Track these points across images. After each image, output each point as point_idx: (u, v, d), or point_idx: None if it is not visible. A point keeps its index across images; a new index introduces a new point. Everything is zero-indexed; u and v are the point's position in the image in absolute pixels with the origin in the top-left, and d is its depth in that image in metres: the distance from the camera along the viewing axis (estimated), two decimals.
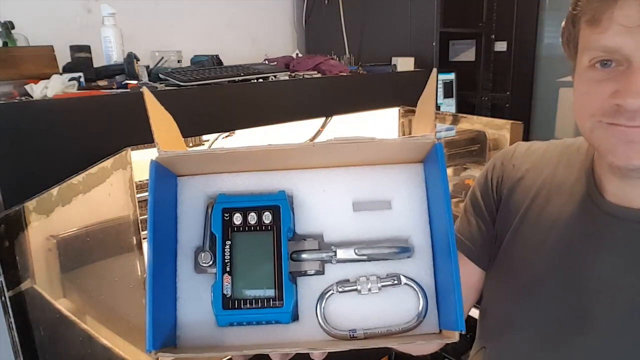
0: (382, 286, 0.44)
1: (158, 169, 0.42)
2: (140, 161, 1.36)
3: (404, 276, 0.45)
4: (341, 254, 0.44)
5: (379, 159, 0.48)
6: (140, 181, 1.47)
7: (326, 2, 1.95)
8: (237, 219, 0.43)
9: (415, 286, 0.45)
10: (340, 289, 0.44)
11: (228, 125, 1.28)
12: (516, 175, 0.71)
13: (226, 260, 0.42)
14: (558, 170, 0.68)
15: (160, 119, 0.51)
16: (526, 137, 2.18)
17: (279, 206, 0.44)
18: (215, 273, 0.42)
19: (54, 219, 0.87)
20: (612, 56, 0.52)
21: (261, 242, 0.43)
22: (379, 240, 0.46)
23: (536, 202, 0.68)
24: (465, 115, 1.52)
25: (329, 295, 0.44)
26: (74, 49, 1.18)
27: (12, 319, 0.78)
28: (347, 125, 1.82)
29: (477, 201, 0.75)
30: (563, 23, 0.61)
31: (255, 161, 0.45)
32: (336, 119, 1.79)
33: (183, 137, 1.48)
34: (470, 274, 0.73)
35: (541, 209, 0.67)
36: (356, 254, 0.44)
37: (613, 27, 0.50)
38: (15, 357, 0.81)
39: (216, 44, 1.80)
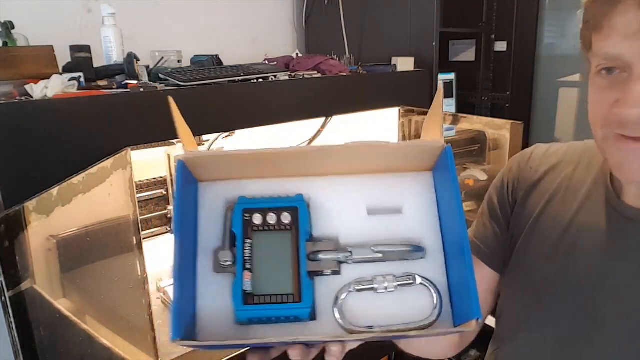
0: (398, 285, 0.45)
1: (183, 169, 0.45)
2: (140, 161, 1.36)
3: (419, 276, 0.46)
4: (357, 253, 0.46)
5: (390, 165, 0.50)
6: (140, 181, 1.47)
7: (326, 2, 1.95)
8: (257, 219, 0.45)
9: (429, 285, 0.46)
10: (357, 288, 0.45)
11: (228, 125, 1.28)
12: (533, 177, 0.70)
13: (246, 258, 0.43)
14: (577, 172, 0.67)
15: (183, 125, 0.54)
16: (526, 137, 2.18)
17: (297, 207, 0.46)
18: (234, 272, 0.44)
19: (54, 219, 0.87)
20: (614, 63, 0.51)
21: (280, 241, 0.44)
22: (393, 242, 0.48)
23: (552, 204, 0.67)
24: (465, 115, 1.52)
25: (347, 294, 0.45)
26: (74, 49, 1.18)
27: (12, 319, 0.78)
28: (347, 126, 1.82)
29: (493, 204, 0.74)
30: (581, 25, 0.59)
31: (275, 164, 0.47)
32: (336, 119, 1.79)
33: None
34: (485, 278, 0.73)
35: (557, 211, 0.66)
36: (373, 251, 0.46)
37: (613, 34, 0.49)
38: (15, 357, 0.81)
39: (216, 44, 1.80)
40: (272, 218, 0.45)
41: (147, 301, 1.07)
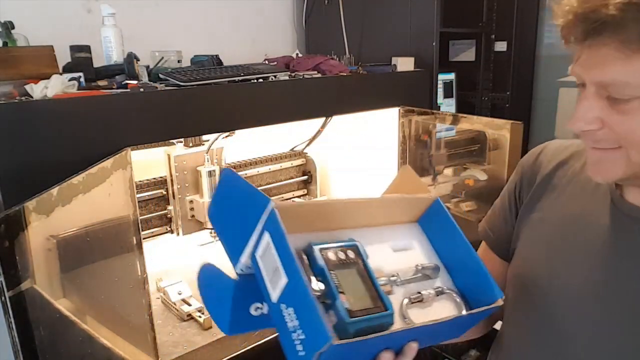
0: (436, 294, 0.62)
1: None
2: (140, 161, 1.36)
3: (443, 287, 0.64)
4: (402, 275, 0.62)
5: (394, 219, 0.70)
6: (140, 181, 1.47)
7: (326, 2, 1.95)
8: (332, 255, 0.56)
9: (453, 292, 0.64)
10: (413, 300, 0.60)
11: (228, 125, 1.28)
12: (544, 172, 0.73)
13: (336, 284, 0.53)
14: (585, 168, 0.68)
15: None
16: (526, 137, 2.18)
17: (356, 245, 0.59)
18: (324, 300, 0.54)
19: (54, 219, 0.87)
20: (579, 80, 0.58)
21: (355, 270, 0.57)
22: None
23: (560, 198, 0.70)
24: (465, 115, 1.52)
25: (406, 304, 0.60)
26: (74, 49, 1.18)
27: (12, 319, 0.78)
28: (347, 126, 1.82)
29: (506, 193, 0.80)
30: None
31: (321, 218, 0.61)
32: (336, 119, 1.80)
33: (183, 137, 1.49)
34: (491, 263, 0.76)
35: (564, 205, 0.69)
36: (417, 269, 0.64)
37: (578, 61, 0.57)
38: (15, 357, 0.81)
39: (216, 44, 1.80)
40: (341, 254, 0.57)
41: (147, 301, 1.07)
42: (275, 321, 0.53)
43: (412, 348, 0.54)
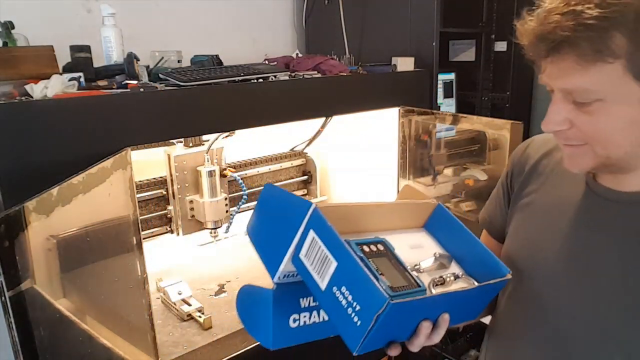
0: (454, 278, 0.71)
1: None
2: (140, 161, 1.36)
3: (458, 273, 0.73)
4: (424, 264, 0.72)
5: (406, 224, 0.80)
6: (140, 181, 1.47)
7: (326, 2, 1.95)
8: (366, 248, 0.64)
9: (467, 276, 0.73)
10: (437, 281, 0.69)
11: (228, 125, 1.28)
12: (531, 162, 0.82)
13: (376, 268, 0.60)
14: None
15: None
16: (526, 137, 2.17)
17: (384, 241, 0.67)
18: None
19: (54, 219, 0.87)
20: (548, 87, 0.66)
21: (387, 259, 0.65)
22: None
23: (545, 185, 0.79)
24: (465, 115, 1.52)
25: (432, 285, 0.69)
26: (74, 49, 1.18)
27: (12, 319, 0.78)
28: (347, 125, 1.82)
29: (499, 184, 0.89)
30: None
31: (349, 221, 0.70)
32: (336, 119, 1.80)
33: (183, 137, 1.49)
34: (494, 249, 0.80)
35: (548, 192, 0.78)
36: (435, 257, 0.73)
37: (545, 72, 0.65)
38: (15, 357, 0.81)
39: (216, 44, 1.80)
40: (374, 247, 0.65)
41: (147, 301, 1.07)
42: (326, 308, 0.60)
43: (445, 320, 0.64)
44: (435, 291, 0.68)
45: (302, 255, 0.62)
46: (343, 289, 0.57)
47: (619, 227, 0.69)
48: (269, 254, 0.65)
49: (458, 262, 0.76)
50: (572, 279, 0.71)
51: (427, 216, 0.80)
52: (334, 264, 0.58)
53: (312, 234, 0.60)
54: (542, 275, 0.75)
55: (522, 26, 0.64)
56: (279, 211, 0.65)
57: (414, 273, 0.66)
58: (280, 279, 0.62)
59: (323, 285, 0.59)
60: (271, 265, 0.63)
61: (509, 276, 0.70)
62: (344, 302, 0.57)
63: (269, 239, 0.66)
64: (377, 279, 0.57)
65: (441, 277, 0.70)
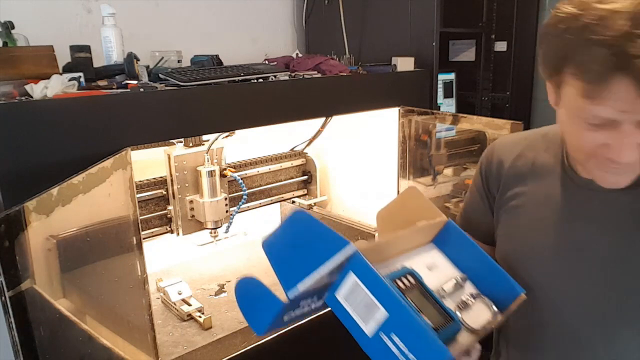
0: (473, 299, 0.73)
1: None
2: (140, 161, 1.36)
3: (475, 292, 0.75)
4: (446, 288, 0.73)
5: (418, 243, 0.80)
6: (140, 181, 1.47)
7: (326, 2, 1.95)
8: (400, 283, 0.66)
9: (483, 295, 0.74)
10: (461, 307, 0.71)
11: (228, 125, 1.28)
12: (505, 165, 0.84)
13: (416, 307, 0.63)
14: (539, 157, 0.81)
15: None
16: None
17: (412, 271, 0.69)
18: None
19: (54, 219, 0.87)
20: (604, 122, 0.60)
21: (419, 292, 0.67)
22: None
23: (526, 184, 0.81)
24: (465, 115, 1.52)
25: (463, 319, 0.70)
26: (74, 49, 1.18)
27: (12, 319, 0.78)
28: (347, 125, 1.82)
29: (475, 194, 0.91)
30: (542, 51, 0.66)
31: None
32: (336, 119, 1.80)
33: (183, 137, 1.49)
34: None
35: (534, 192, 0.80)
36: (456, 281, 0.74)
37: (607, 104, 0.57)
38: (15, 357, 0.81)
39: (216, 44, 1.80)
40: (406, 281, 0.67)
41: (147, 301, 1.07)
42: (370, 352, 0.60)
43: (477, 349, 0.69)
44: (461, 315, 0.70)
45: (340, 296, 0.62)
46: (394, 336, 0.58)
47: (605, 215, 0.72)
48: (286, 273, 0.63)
49: (471, 280, 0.77)
50: (567, 271, 0.75)
51: (436, 231, 0.81)
52: (382, 312, 0.59)
53: (353, 277, 0.60)
54: (540, 273, 0.77)
55: (599, 32, 0.55)
56: (308, 238, 0.63)
57: (441, 300, 0.68)
58: (295, 295, 0.62)
59: (369, 330, 0.60)
60: (287, 283, 0.62)
61: (523, 296, 0.73)
62: (395, 350, 0.58)
63: (289, 259, 0.64)
64: (434, 329, 0.60)
65: (463, 301, 0.72)
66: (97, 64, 1.22)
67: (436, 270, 0.77)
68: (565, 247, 0.75)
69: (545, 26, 0.65)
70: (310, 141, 1.93)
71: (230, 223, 1.61)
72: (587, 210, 0.74)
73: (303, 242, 0.62)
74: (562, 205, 0.76)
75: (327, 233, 0.60)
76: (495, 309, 0.73)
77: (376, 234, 0.79)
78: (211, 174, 1.48)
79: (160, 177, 1.51)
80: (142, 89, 1.10)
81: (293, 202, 1.98)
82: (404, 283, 0.66)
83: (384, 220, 0.86)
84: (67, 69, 1.15)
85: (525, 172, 0.81)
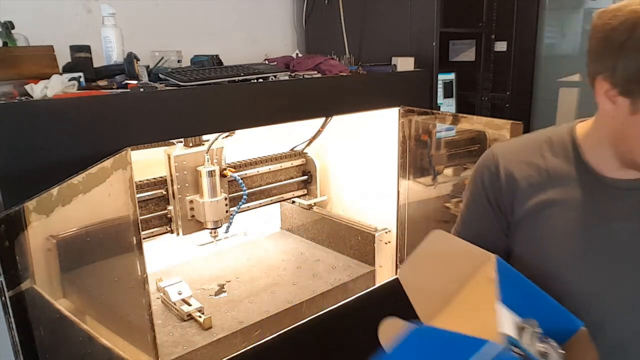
0: (546, 345, 0.66)
1: None
2: (140, 161, 1.36)
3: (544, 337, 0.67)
4: (526, 340, 0.65)
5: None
6: (140, 181, 1.47)
7: (326, 2, 1.95)
8: (540, 348, 0.64)
9: (544, 334, 0.66)
10: (544, 357, 0.64)
11: (228, 125, 1.28)
12: (517, 176, 0.80)
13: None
14: (551, 162, 0.78)
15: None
16: None
17: (513, 342, 0.61)
18: None
19: (54, 219, 0.87)
20: None
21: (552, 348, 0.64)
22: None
23: (547, 193, 0.77)
24: (465, 115, 1.52)
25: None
26: (74, 49, 1.18)
27: (12, 319, 0.78)
28: (347, 125, 1.82)
29: (478, 208, 0.85)
30: (619, 64, 0.65)
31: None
32: (336, 119, 1.80)
33: (183, 137, 1.49)
34: None
35: (555, 197, 0.76)
36: (532, 331, 0.66)
37: None
38: (15, 357, 0.81)
39: (216, 44, 1.80)
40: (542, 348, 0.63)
41: (147, 301, 1.07)
42: None
43: None
44: None
45: None
46: None
47: (635, 212, 0.72)
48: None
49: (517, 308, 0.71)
50: (612, 274, 0.73)
51: (493, 276, 0.71)
52: None
53: None
54: (582, 280, 0.74)
55: None
56: (437, 351, 0.58)
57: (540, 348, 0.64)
58: None
59: None
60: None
61: (583, 330, 0.69)
62: None
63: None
64: None
65: (542, 352, 0.66)
66: (97, 64, 1.22)
67: (506, 319, 0.68)
68: (606, 249, 0.73)
69: (614, 34, 0.64)
70: (310, 141, 1.93)
71: (230, 223, 1.61)
72: (622, 209, 0.73)
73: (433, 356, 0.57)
74: (594, 208, 0.74)
75: (456, 338, 0.56)
76: (561, 350, 0.67)
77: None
78: (211, 174, 1.48)
79: (160, 177, 1.51)
80: (142, 89, 1.10)
81: (293, 202, 1.98)
82: (518, 354, 0.59)
83: (411, 278, 0.74)
84: (67, 69, 1.15)
85: (542, 180, 0.78)
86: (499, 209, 0.82)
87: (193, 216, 1.52)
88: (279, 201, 1.90)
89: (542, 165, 0.78)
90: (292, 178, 1.90)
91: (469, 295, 0.66)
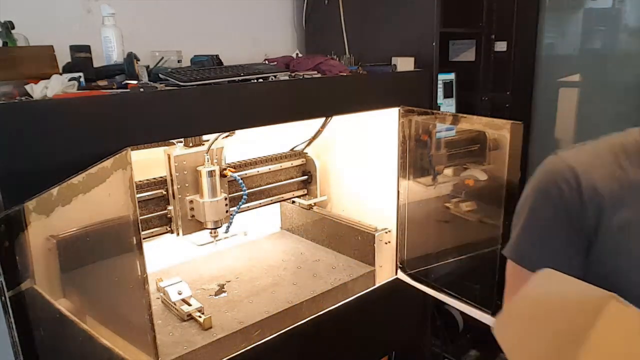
0: None
1: None
2: (140, 161, 1.36)
3: None
4: None
5: None
6: (140, 181, 1.47)
7: (326, 2, 1.95)
8: None
9: None
10: None
11: (228, 125, 1.28)
12: (602, 192, 0.71)
13: None
14: (631, 172, 0.70)
15: None
16: (526, 137, 2.18)
17: None
18: None
19: (54, 219, 0.87)
20: None
21: None
22: None
23: (632, 207, 0.69)
24: (465, 115, 1.52)
25: None
26: (74, 49, 1.18)
27: (12, 319, 0.78)
28: (347, 125, 1.82)
29: (553, 229, 0.74)
30: None
31: None
32: (336, 119, 1.80)
33: (183, 137, 1.49)
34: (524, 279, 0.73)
35: (636, 214, 0.69)
36: None
37: None
38: (16, 357, 0.81)
39: (216, 44, 1.80)
40: None
41: (147, 301, 1.07)
42: None
43: None
44: None
45: None
46: None
47: None
48: None
49: None
50: None
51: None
52: None
53: None
54: None
55: None
56: None
57: None
58: None
59: None
60: None
61: None
62: None
63: None
64: None
65: None
66: (97, 64, 1.22)
67: None
68: None
69: None
70: (310, 141, 1.93)
71: (230, 223, 1.61)
72: None
73: None
74: None
75: None
76: None
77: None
78: (211, 174, 1.48)
79: (160, 177, 1.51)
80: (142, 89, 1.10)
81: (293, 202, 1.98)
82: None
83: (510, 335, 0.62)
84: (67, 69, 1.15)
85: (624, 193, 0.70)
86: (581, 229, 0.72)
87: (193, 216, 1.52)
88: (279, 201, 1.90)
89: (623, 177, 0.71)
90: (292, 178, 1.90)
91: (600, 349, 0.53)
